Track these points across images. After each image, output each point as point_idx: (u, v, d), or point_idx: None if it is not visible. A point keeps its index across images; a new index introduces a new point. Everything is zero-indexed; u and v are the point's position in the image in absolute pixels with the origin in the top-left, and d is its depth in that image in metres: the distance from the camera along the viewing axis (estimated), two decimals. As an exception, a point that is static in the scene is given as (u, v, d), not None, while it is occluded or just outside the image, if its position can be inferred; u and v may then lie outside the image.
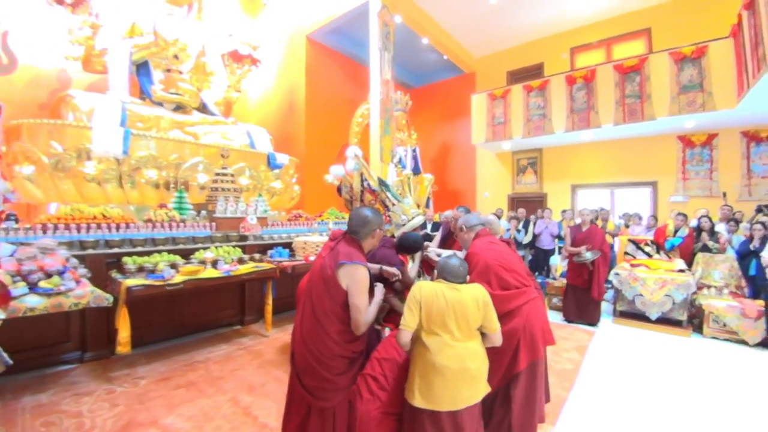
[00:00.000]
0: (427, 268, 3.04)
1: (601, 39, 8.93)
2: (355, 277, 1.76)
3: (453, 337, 1.71)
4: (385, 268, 2.37)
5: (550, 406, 2.69)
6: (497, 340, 1.84)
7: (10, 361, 1.83)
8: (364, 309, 1.74)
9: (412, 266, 2.73)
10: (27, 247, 2.91)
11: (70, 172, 4.85)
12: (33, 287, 2.67)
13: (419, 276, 2.86)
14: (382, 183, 3.01)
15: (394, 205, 2.88)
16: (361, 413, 1.83)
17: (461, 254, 2.52)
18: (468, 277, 2.03)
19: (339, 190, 3.42)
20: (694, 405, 2.89)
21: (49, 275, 2.77)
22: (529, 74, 9.80)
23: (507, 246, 2.46)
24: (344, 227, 5.93)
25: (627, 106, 7.14)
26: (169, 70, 6.86)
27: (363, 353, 1.94)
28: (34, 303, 2.56)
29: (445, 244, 3.51)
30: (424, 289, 1.79)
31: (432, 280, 2.10)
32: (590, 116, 7.57)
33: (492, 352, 1.88)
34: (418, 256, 2.69)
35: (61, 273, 2.82)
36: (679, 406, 2.88)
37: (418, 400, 1.69)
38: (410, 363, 1.82)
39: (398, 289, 2.60)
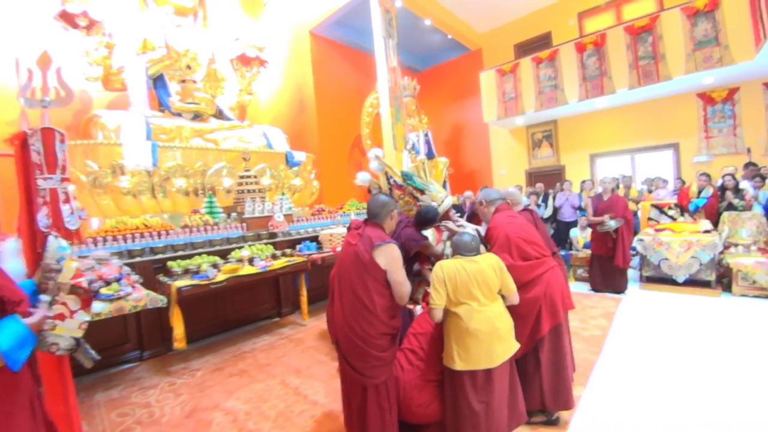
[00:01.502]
0: None
1: (608, 1, 8.65)
2: (391, 255, 1.93)
3: (480, 303, 1.90)
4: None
5: (579, 369, 2.83)
6: (515, 299, 2.04)
7: (98, 357, 2.08)
8: (404, 281, 1.94)
9: (440, 242, 2.91)
10: (84, 259, 3.20)
11: (108, 188, 5.18)
12: (96, 294, 2.96)
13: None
14: (406, 176, 3.16)
15: (422, 194, 3.03)
16: (404, 382, 2.03)
17: (482, 229, 2.69)
18: (482, 248, 2.20)
19: (369, 191, 3.61)
20: (725, 362, 2.97)
21: (108, 283, 3.05)
22: (536, 45, 9.59)
23: (527, 218, 2.58)
24: (365, 217, 6.11)
25: (641, 69, 6.96)
26: (183, 81, 7.10)
27: (400, 329, 2.11)
28: (100, 308, 2.84)
29: (471, 222, 3.66)
30: (445, 267, 1.97)
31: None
32: (603, 82, 7.42)
33: (516, 319, 2.05)
34: (446, 234, 2.86)
35: (118, 280, 3.10)
36: (710, 363, 2.96)
37: (458, 365, 1.87)
38: (444, 333, 2.00)
39: (433, 262, 2.81)
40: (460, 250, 2.05)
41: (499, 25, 10.39)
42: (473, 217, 3.49)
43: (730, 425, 2.19)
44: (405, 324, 2.65)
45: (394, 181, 3.19)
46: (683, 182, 6.66)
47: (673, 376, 2.79)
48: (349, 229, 2.18)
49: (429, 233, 2.97)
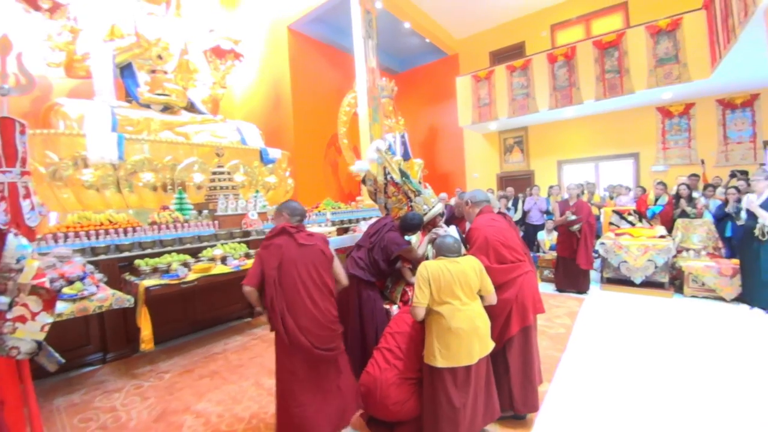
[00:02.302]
0: None
1: (579, 15, 9.06)
2: (332, 248, 2.29)
3: (462, 302, 1.98)
4: None
5: (545, 365, 2.96)
6: (493, 299, 2.15)
7: (62, 360, 1.99)
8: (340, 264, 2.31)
9: (422, 245, 2.97)
10: (45, 257, 3.03)
11: (69, 181, 4.90)
12: (58, 294, 2.81)
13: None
14: (404, 175, 3.19)
15: (416, 195, 3.08)
16: (381, 381, 2.07)
17: (453, 231, 2.79)
18: (463, 250, 2.27)
19: (364, 181, 3.60)
20: (677, 357, 3.20)
21: (70, 282, 2.91)
22: (510, 54, 9.91)
23: (506, 222, 2.67)
24: (342, 216, 6.04)
25: (607, 81, 7.35)
26: (153, 71, 6.82)
27: None
28: (61, 309, 2.71)
29: (449, 225, 3.74)
30: (429, 267, 2.04)
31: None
32: (572, 93, 7.77)
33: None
34: (426, 239, 2.92)
35: (81, 279, 2.96)
36: (664, 359, 3.19)
37: (439, 362, 1.93)
38: (426, 331, 2.05)
39: (414, 264, 2.89)
40: (443, 251, 2.12)
41: (475, 32, 10.64)
42: (452, 220, 3.58)
43: (682, 414, 2.38)
44: (382, 323, 2.70)
45: (391, 178, 3.22)
46: (644, 190, 7.09)
47: (631, 371, 2.98)
48: (281, 233, 2.14)
49: (413, 236, 3.03)
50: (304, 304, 2.01)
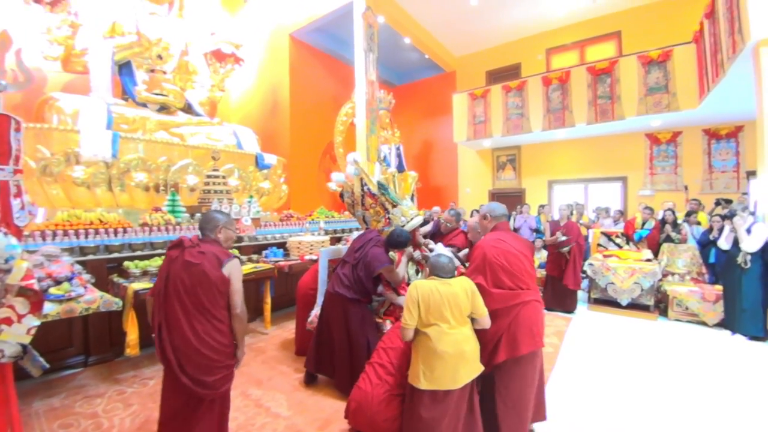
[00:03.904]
0: (422, 264, 3.28)
1: (575, 41, 9.34)
2: (237, 269, 2.07)
3: (450, 325, 1.94)
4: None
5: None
6: (486, 323, 2.05)
7: (47, 365, 1.94)
8: (241, 289, 2.08)
9: (401, 265, 2.96)
10: (33, 255, 2.96)
11: (59, 177, 4.81)
12: (44, 294, 2.74)
13: (417, 273, 3.08)
14: (381, 186, 3.18)
15: (394, 207, 3.07)
16: (372, 396, 2.07)
17: (445, 250, 2.77)
18: (456, 271, 2.18)
19: (341, 195, 3.58)
20: (660, 379, 3.25)
21: (58, 282, 2.84)
22: (507, 74, 10.13)
23: (518, 243, 2.38)
24: (335, 226, 6.04)
25: (599, 107, 7.56)
26: (152, 71, 6.79)
27: None
28: (48, 309, 2.64)
29: (432, 239, 3.75)
30: (420, 288, 2.00)
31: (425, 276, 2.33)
32: (565, 116, 7.97)
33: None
34: (405, 257, 2.90)
35: (69, 279, 2.90)
36: (648, 380, 3.23)
37: (423, 384, 1.90)
38: (412, 352, 2.02)
39: (394, 285, 2.85)
40: (436, 271, 2.08)
41: (474, 51, 10.85)
42: (435, 236, 3.59)
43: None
44: (374, 337, 2.69)
45: (368, 189, 3.22)
46: (621, 213, 7.29)
47: (618, 394, 3.02)
48: (177, 246, 2.04)
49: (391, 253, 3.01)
50: (178, 323, 1.90)
